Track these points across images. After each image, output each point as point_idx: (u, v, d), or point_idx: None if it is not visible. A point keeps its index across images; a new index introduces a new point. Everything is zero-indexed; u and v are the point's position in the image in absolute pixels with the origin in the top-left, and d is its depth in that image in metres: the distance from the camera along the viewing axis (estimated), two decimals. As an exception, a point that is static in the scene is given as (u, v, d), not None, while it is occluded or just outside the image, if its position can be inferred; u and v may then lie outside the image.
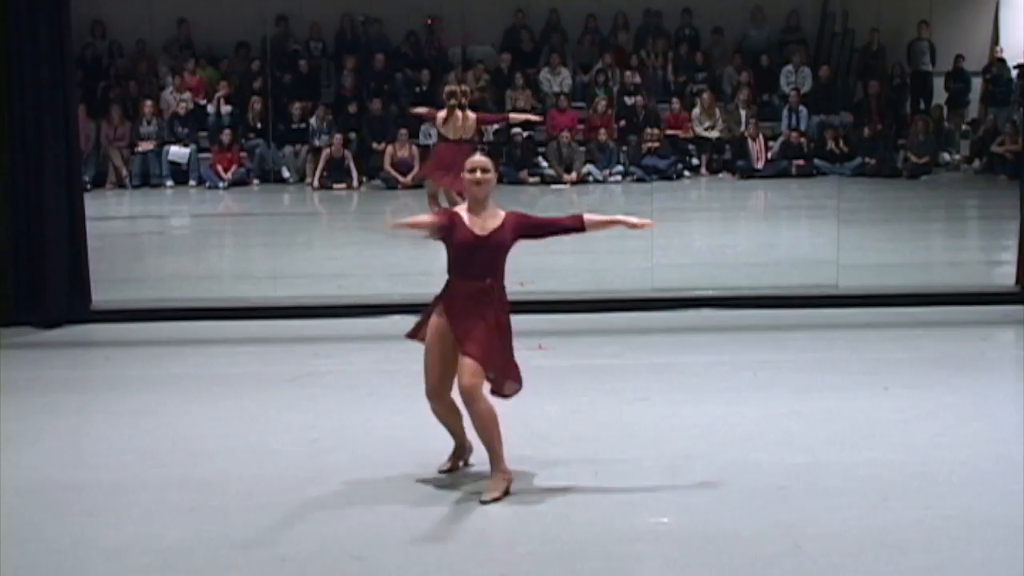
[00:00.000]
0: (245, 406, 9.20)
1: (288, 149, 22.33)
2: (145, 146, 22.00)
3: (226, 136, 21.90)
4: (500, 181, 21.20)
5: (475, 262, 7.34)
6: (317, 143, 22.14)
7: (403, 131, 21.69)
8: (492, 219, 7.40)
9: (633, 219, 7.85)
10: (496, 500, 7.21)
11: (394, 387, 9.59)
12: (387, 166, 21.55)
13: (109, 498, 7.40)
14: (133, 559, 6.52)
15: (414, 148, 21.67)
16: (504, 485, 7.30)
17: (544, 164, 22.13)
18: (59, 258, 11.65)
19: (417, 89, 23.22)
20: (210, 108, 22.79)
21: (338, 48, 23.86)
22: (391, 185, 21.39)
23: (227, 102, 22.73)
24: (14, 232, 11.60)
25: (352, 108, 22.71)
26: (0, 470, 7.81)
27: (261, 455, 8.11)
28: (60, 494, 7.44)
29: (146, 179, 21.91)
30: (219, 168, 21.83)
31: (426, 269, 14.15)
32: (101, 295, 11.96)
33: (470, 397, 7.23)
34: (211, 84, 23.13)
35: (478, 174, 7.37)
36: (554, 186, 21.55)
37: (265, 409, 9.11)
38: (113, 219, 17.12)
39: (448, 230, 7.33)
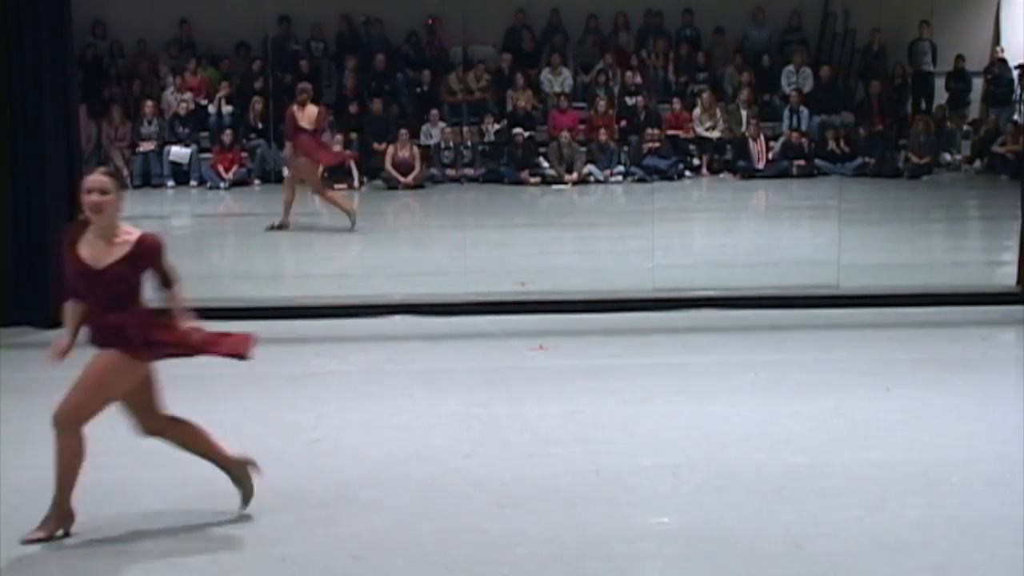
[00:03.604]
0: (245, 406, 9.20)
1: (289, 149, 22.31)
2: (146, 146, 22.00)
3: (227, 136, 21.90)
4: (501, 181, 21.47)
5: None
6: (318, 143, 22.12)
7: (404, 131, 21.69)
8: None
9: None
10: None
11: (395, 387, 9.62)
12: (388, 166, 21.55)
13: (110, 499, 7.40)
14: (136, 558, 6.53)
15: (415, 148, 21.68)
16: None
17: (545, 164, 22.13)
18: (60, 258, 11.61)
19: (418, 89, 23.24)
20: (211, 108, 22.79)
21: (339, 48, 23.86)
22: (392, 185, 21.40)
23: (228, 102, 22.73)
24: (15, 232, 11.61)
25: (353, 108, 22.71)
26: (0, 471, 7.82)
27: (262, 455, 8.07)
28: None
29: (147, 179, 21.91)
30: (220, 168, 21.83)
31: (427, 269, 14.18)
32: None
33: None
34: (212, 84, 23.13)
35: (95, 196, 6.76)
36: (555, 186, 21.56)
37: (265, 409, 9.12)
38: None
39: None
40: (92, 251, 6.77)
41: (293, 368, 10.25)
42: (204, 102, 22.89)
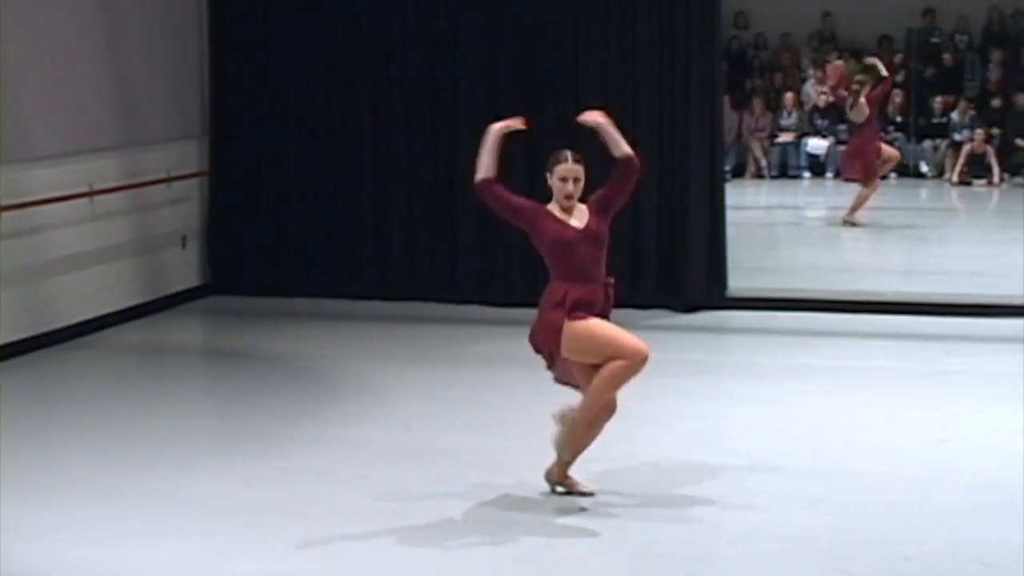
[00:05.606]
0: (873, 400, 9.20)
1: (927, 143, 21.99)
2: (785, 138, 22.25)
3: (863, 130, 21.79)
4: None
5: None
6: (958, 138, 21.66)
7: (1049, 127, 20.89)
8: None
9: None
10: None
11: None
12: (1034, 164, 20.85)
13: (737, 482, 7.58)
14: (758, 545, 6.66)
15: (1062, 146, 20.85)
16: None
17: None
18: (699, 245, 11.98)
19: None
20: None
21: (984, 41, 23.21)
22: (1034, 183, 20.68)
23: (867, 96, 22.61)
24: (658, 217, 12.02)
25: (996, 103, 22.07)
26: (638, 448, 8.14)
27: (886, 450, 8.10)
28: (692, 474, 7.68)
29: (784, 170, 22.14)
30: (858, 161, 21.75)
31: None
32: (736, 282, 12.20)
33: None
34: (852, 77, 23.07)
35: (570, 185, 7.02)
36: None
37: (893, 405, 9.08)
38: (750, 209, 17.42)
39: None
40: (567, 218, 7.05)
41: (924, 365, 10.15)
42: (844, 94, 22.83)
